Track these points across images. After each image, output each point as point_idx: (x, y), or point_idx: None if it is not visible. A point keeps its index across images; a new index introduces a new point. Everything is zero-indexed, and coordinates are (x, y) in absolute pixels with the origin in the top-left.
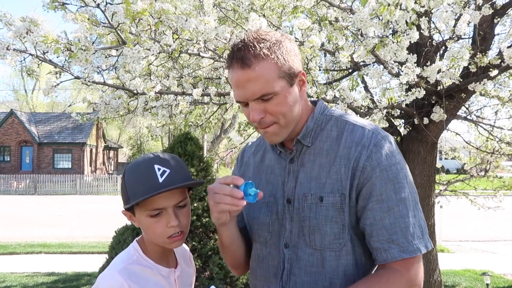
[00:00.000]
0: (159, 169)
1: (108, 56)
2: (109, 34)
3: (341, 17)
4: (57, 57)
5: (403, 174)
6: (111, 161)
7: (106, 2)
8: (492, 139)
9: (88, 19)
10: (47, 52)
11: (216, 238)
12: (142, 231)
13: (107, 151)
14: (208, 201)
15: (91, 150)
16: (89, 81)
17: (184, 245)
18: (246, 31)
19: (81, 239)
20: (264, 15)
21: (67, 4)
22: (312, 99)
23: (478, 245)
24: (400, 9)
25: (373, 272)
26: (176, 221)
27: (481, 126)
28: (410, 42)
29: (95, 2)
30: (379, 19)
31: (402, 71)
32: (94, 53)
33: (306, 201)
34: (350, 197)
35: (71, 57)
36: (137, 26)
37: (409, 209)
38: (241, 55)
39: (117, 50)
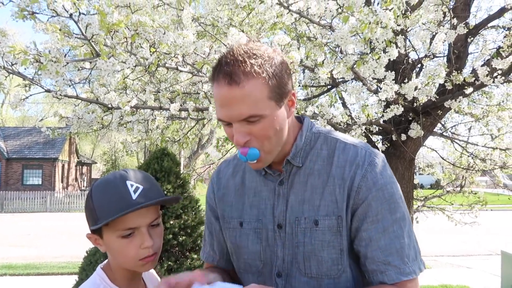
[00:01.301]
0: (132, 186)
1: (81, 68)
2: (82, 46)
3: (320, 34)
4: (25, 69)
5: (398, 193)
6: (84, 177)
7: (80, 13)
8: (468, 155)
9: (60, 30)
10: (16, 63)
11: (193, 258)
12: (109, 256)
13: (80, 166)
14: None
15: (63, 166)
16: (60, 95)
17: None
18: (226, 45)
19: (50, 259)
20: (243, 31)
21: (37, 13)
22: (296, 115)
23: (453, 260)
24: (381, 27)
25: None
26: (150, 241)
27: (456, 143)
28: (389, 59)
29: (67, 12)
30: (359, 37)
31: (381, 88)
32: (65, 65)
33: (299, 225)
34: (346, 219)
35: (41, 69)
36: (112, 38)
37: (403, 230)
38: (230, 70)
39: (90, 62)
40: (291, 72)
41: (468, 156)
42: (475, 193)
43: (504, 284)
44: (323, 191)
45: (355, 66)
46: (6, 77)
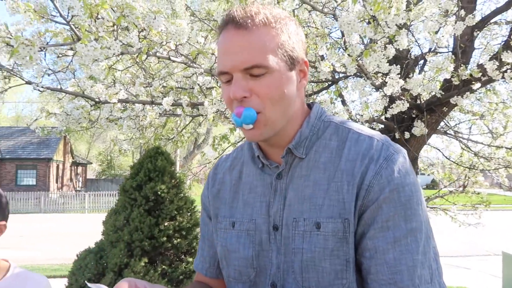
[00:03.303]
0: None
1: (61, 55)
2: (66, 32)
3: (321, 25)
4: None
5: (417, 198)
6: (79, 177)
7: None
8: (472, 154)
9: (35, 11)
10: None
11: (188, 261)
12: None
13: (75, 167)
14: None
15: (57, 166)
16: (42, 87)
17: (34, 276)
18: None
19: (42, 261)
20: None
21: None
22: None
23: (451, 260)
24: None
25: None
26: None
27: (460, 141)
28: (396, 49)
29: None
30: (367, 23)
31: (386, 83)
32: (41, 50)
33: (297, 228)
34: (354, 223)
35: (13, 54)
36: (95, 21)
37: (419, 243)
38: (240, 16)
39: (72, 48)
40: (306, 44)
41: (472, 155)
42: (478, 194)
43: (506, 285)
44: (328, 188)
45: (360, 57)
46: None
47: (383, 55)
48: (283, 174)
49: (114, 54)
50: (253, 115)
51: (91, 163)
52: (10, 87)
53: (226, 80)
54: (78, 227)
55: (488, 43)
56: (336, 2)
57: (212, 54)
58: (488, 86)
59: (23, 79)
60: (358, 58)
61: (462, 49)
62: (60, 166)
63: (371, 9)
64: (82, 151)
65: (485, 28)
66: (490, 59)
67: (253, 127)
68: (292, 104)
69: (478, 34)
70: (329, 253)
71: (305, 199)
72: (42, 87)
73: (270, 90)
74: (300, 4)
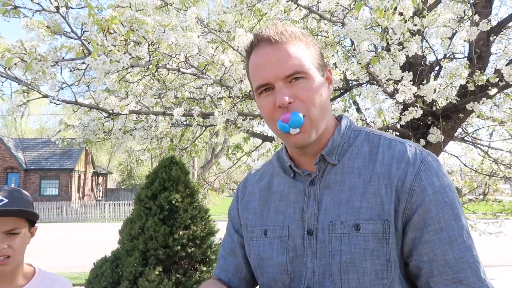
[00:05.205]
0: None
1: (72, 69)
2: (79, 46)
3: (332, 33)
4: (8, 69)
5: (457, 198)
6: (99, 187)
7: (67, 7)
8: (491, 161)
9: (48, 27)
10: (10, 67)
11: (202, 270)
12: None
13: (96, 177)
14: None
15: (79, 176)
16: (58, 100)
17: (60, 279)
18: (233, 48)
19: (63, 269)
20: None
21: (21, 8)
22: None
23: None
24: (400, 14)
25: None
26: (2, 245)
27: (478, 148)
28: (406, 56)
29: (52, 4)
30: (374, 30)
31: (398, 90)
32: (53, 65)
33: (334, 231)
34: (396, 225)
35: (27, 69)
36: (106, 36)
37: (472, 240)
38: (272, 33)
39: (84, 62)
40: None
41: (492, 162)
42: (500, 201)
43: None
44: (364, 191)
45: (370, 64)
46: (2, 82)
47: (393, 61)
48: (316, 181)
49: (123, 67)
50: (300, 119)
51: (112, 173)
52: (28, 101)
53: (265, 91)
54: (97, 236)
55: (505, 47)
56: (348, 9)
57: (222, 65)
58: (508, 91)
59: (40, 93)
60: (369, 66)
61: (478, 54)
62: (82, 176)
63: (374, 17)
64: (103, 161)
65: (501, 33)
66: (507, 64)
67: (299, 131)
68: (327, 106)
69: (494, 39)
70: (369, 254)
71: (342, 203)
72: (58, 100)
73: (310, 93)
74: (308, 14)
